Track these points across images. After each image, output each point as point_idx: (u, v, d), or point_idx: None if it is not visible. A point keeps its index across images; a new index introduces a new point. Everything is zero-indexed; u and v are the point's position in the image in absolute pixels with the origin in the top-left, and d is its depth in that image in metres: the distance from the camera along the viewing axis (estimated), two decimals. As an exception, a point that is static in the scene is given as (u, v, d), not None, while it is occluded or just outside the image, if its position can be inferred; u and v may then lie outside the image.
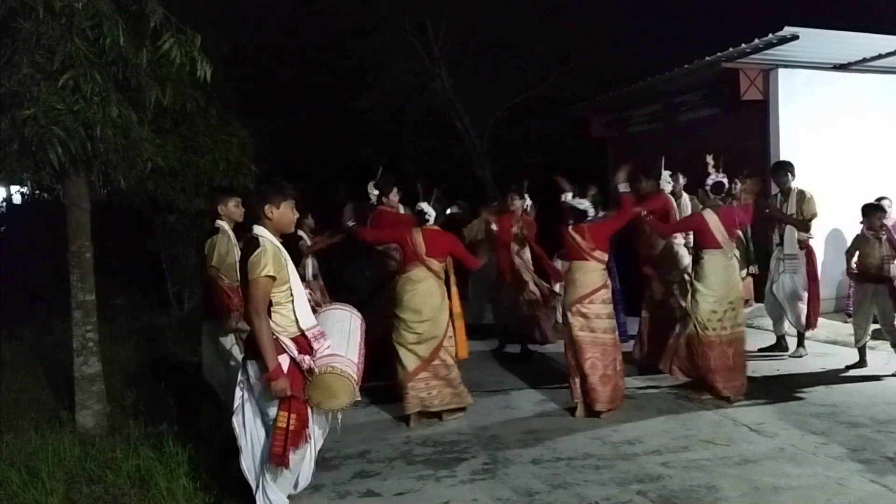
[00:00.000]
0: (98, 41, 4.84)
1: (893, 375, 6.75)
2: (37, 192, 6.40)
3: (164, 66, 5.36)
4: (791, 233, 7.63)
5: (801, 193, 7.59)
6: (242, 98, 12.22)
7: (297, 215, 4.12)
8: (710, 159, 6.52)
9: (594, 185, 7.12)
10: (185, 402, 5.92)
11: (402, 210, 7.38)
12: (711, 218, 6.24)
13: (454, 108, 17.04)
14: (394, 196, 7.34)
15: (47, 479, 4.54)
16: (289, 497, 4.17)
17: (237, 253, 5.48)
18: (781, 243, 7.74)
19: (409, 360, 5.85)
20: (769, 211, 7.74)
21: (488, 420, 5.88)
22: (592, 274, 5.93)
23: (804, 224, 7.53)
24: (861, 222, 7.05)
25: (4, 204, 17.15)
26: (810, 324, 7.70)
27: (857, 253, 7.05)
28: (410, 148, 18.37)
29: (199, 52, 5.19)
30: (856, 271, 7.10)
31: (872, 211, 6.98)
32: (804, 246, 7.64)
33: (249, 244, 3.91)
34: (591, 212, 6.06)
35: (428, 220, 6.04)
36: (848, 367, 7.06)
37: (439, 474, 4.77)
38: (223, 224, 5.50)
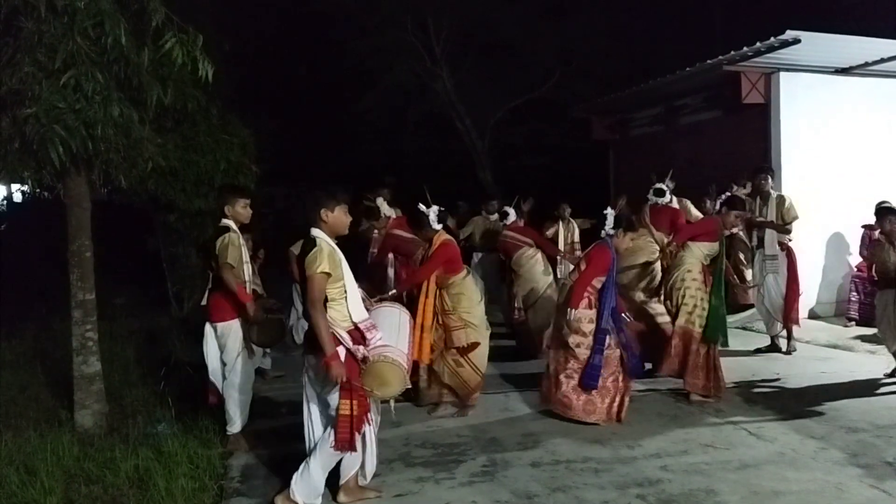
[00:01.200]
0: (100, 40, 4.85)
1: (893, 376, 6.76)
2: (37, 190, 6.38)
3: (165, 66, 5.36)
4: (771, 235, 7.74)
5: (781, 198, 7.71)
6: (244, 98, 12.22)
7: (350, 219, 4.34)
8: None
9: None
10: (185, 402, 5.91)
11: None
12: None
13: (455, 109, 17.05)
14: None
15: (46, 479, 4.54)
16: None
17: (246, 254, 5.49)
18: (761, 245, 7.86)
19: None
20: (750, 219, 7.80)
21: (487, 422, 5.86)
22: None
23: (784, 228, 7.65)
24: (874, 225, 6.97)
25: (5, 202, 17.17)
26: (790, 319, 7.77)
27: (874, 258, 6.85)
28: (411, 148, 18.39)
29: (200, 51, 5.19)
30: (875, 278, 6.90)
31: (883, 214, 6.73)
32: (784, 247, 7.74)
33: (307, 244, 4.14)
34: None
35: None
36: (886, 375, 6.80)
37: (438, 476, 4.76)
38: (231, 223, 5.47)
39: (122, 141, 5.17)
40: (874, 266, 6.90)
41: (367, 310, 4.39)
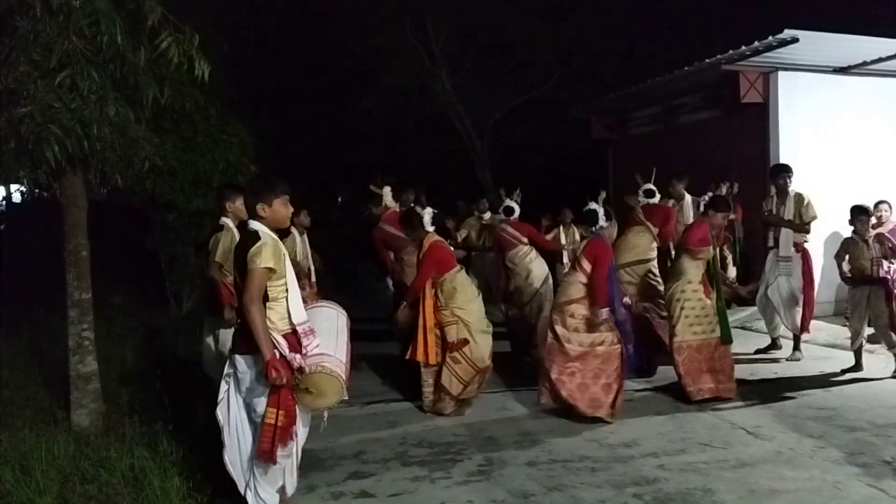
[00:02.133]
0: (95, 39, 4.83)
1: (893, 377, 6.76)
2: (35, 190, 6.38)
3: (162, 65, 5.36)
4: (787, 235, 7.61)
5: (800, 196, 7.54)
6: (243, 98, 12.23)
7: (291, 210, 4.10)
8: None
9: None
10: (181, 401, 5.90)
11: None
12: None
13: (455, 110, 17.05)
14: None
15: (41, 478, 4.52)
16: (281, 500, 4.18)
17: None
18: (776, 245, 7.72)
19: None
20: (767, 218, 7.73)
21: (484, 421, 5.86)
22: (572, 286, 5.96)
23: (803, 227, 7.52)
24: (850, 223, 7.05)
25: (4, 202, 17.18)
26: (804, 327, 7.67)
27: (848, 256, 7.06)
28: (411, 149, 18.40)
29: (197, 50, 5.18)
30: (849, 275, 7.09)
31: (857, 214, 7.00)
32: (800, 248, 7.62)
33: (248, 238, 3.93)
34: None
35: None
36: (844, 371, 7.06)
37: (434, 475, 4.75)
38: (227, 221, 5.51)
39: (118, 140, 5.14)
40: (844, 263, 7.08)
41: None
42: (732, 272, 10.00)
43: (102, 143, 5.02)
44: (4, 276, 9.73)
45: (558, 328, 5.88)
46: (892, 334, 6.83)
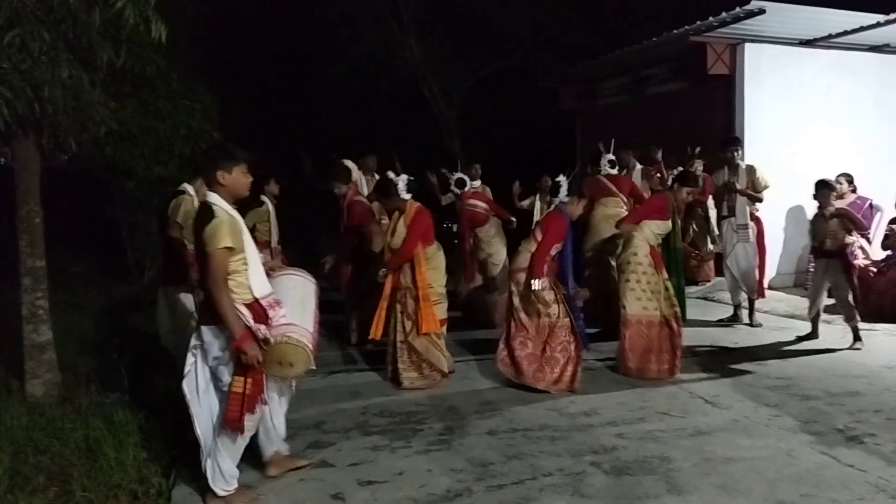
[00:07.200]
0: (47, -2, 4.68)
1: (850, 349, 6.88)
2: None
3: (121, 27, 5.19)
4: (742, 203, 7.77)
5: (751, 168, 7.75)
6: (209, 65, 11.96)
7: (250, 179, 4.00)
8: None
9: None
10: (139, 371, 5.83)
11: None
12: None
13: (424, 78, 16.92)
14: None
15: (-8, 449, 4.46)
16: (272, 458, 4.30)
17: None
18: (732, 214, 7.88)
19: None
20: (731, 184, 7.78)
21: (446, 391, 5.86)
22: (523, 254, 5.92)
23: (757, 197, 7.72)
24: (814, 198, 7.13)
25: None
26: (759, 291, 7.90)
27: (814, 230, 7.16)
28: (381, 118, 18.22)
29: (153, 11, 5.03)
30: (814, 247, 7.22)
31: (819, 188, 7.08)
32: (753, 216, 7.82)
33: (203, 212, 3.82)
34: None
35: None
36: (799, 339, 7.22)
37: (394, 445, 4.75)
38: (188, 188, 5.43)
39: (70, 103, 5.01)
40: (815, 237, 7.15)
41: (269, 277, 4.09)
42: (710, 247, 10.03)
43: (54, 105, 4.89)
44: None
45: (514, 297, 5.89)
46: (852, 307, 6.93)
